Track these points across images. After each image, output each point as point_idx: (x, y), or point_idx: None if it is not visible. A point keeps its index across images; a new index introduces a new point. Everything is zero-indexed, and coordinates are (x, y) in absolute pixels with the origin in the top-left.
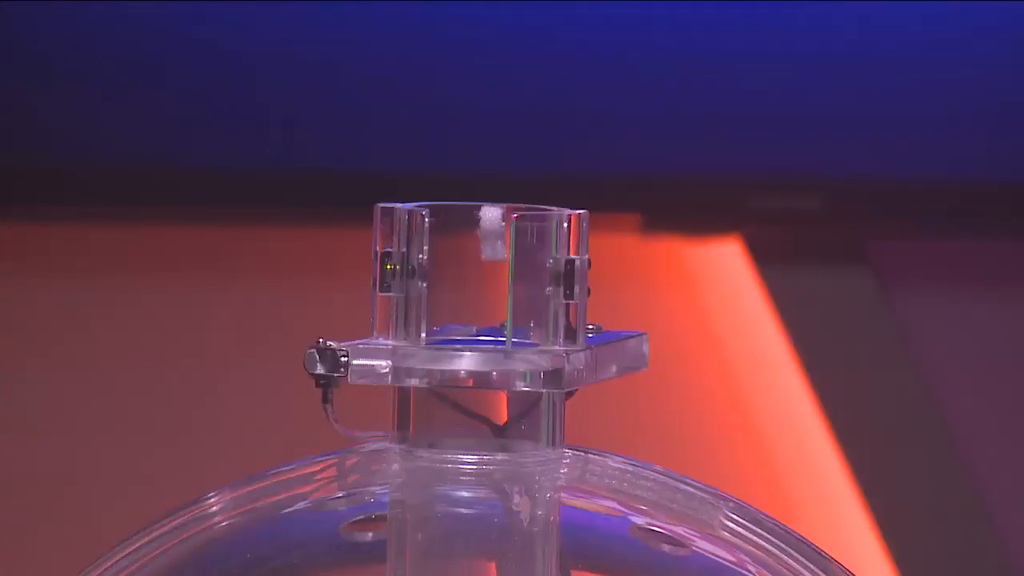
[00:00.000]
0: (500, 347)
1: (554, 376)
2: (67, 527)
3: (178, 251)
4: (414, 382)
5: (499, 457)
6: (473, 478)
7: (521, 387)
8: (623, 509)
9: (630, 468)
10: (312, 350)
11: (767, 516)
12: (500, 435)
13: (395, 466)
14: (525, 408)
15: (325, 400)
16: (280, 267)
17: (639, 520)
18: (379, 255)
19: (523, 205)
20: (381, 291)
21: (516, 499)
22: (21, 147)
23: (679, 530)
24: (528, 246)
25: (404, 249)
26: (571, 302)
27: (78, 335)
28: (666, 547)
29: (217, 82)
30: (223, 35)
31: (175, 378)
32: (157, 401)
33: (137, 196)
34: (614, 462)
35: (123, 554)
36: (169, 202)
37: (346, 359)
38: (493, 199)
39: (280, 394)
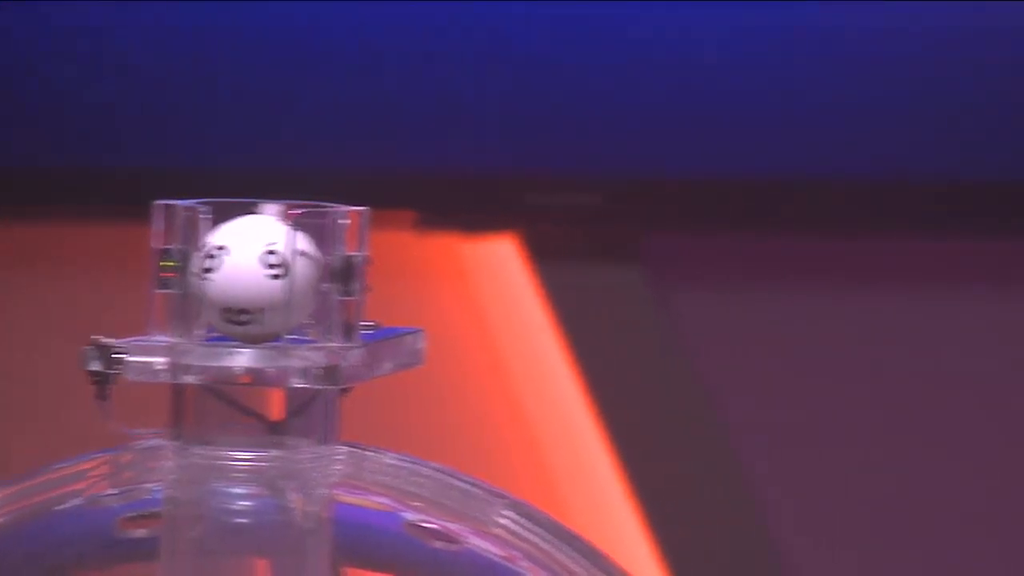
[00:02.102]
0: (277, 343)
1: (330, 372)
2: None
3: None
4: (191, 379)
5: (273, 454)
6: (246, 475)
7: (297, 384)
8: (397, 505)
9: (405, 465)
10: (88, 347)
11: (540, 512)
12: (275, 432)
13: (169, 463)
14: (301, 404)
15: (101, 397)
16: (56, 263)
17: (413, 516)
18: (157, 252)
19: (302, 202)
20: (159, 288)
21: (289, 496)
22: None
23: (452, 526)
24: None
25: (182, 246)
26: (349, 299)
27: None
28: (438, 543)
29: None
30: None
31: None
32: None
33: None
34: (389, 459)
35: None
36: None
37: (122, 356)
38: (275, 195)
39: (55, 391)
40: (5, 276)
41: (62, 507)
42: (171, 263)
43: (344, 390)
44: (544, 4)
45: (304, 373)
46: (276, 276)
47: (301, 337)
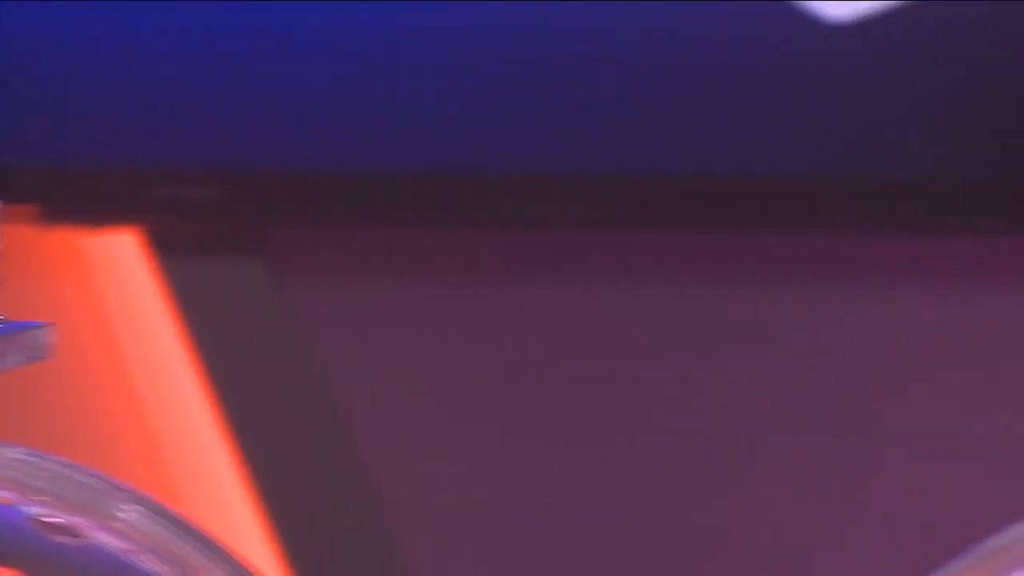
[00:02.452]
0: None
1: None
2: None
3: None
4: None
5: None
6: None
7: None
8: (20, 499)
9: (28, 459)
10: None
11: (161, 505)
12: None
13: None
14: None
15: None
16: None
17: (36, 510)
18: None
19: None
20: None
21: None
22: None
23: (76, 520)
24: None
25: None
26: None
27: None
28: (62, 537)
29: None
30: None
31: None
32: None
33: None
34: (12, 453)
35: None
36: None
37: None
38: None
39: None
40: None
41: None
42: None
43: None
44: None
45: None
46: None
47: None
